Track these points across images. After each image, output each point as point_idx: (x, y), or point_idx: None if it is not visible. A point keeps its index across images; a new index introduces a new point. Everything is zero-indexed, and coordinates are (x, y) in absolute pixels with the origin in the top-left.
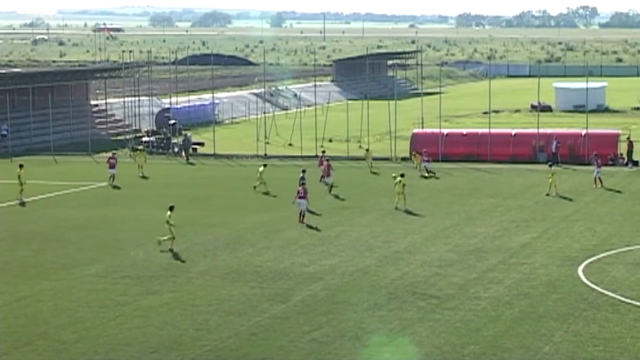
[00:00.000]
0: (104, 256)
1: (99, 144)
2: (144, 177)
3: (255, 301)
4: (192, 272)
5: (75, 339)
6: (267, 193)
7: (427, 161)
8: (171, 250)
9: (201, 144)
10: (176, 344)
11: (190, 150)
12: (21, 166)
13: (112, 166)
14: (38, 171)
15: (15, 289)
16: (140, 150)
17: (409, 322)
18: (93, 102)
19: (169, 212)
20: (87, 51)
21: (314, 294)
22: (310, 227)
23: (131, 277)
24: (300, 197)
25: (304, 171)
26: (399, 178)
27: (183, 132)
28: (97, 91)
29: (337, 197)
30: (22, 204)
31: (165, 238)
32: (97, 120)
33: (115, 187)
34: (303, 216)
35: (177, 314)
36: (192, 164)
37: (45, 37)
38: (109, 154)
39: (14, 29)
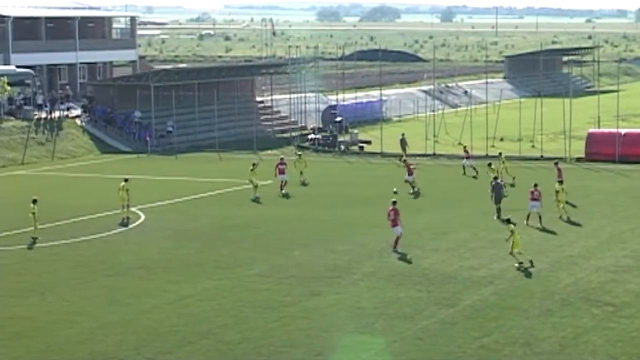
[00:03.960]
0: (268, 256)
1: (264, 142)
2: (303, 184)
3: (422, 305)
4: (358, 274)
5: (239, 339)
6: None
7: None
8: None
9: (368, 142)
10: (341, 347)
11: (357, 149)
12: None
13: (281, 172)
14: (202, 168)
15: (178, 288)
16: (300, 156)
17: (582, 330)
18: (258, 99)
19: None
20: (253, 46)
21: (483, 298)
22: (479, 229)
23: (295, 278)
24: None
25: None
26: (559, 186)
27: (349, 130)
28: (263, 87)
29: (504, 198)
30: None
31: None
32: (263, 117)
33: (285, 195)
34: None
35: (341, 316)
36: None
37: (212, 32)
38: (277, 160)
39: (180, 23)
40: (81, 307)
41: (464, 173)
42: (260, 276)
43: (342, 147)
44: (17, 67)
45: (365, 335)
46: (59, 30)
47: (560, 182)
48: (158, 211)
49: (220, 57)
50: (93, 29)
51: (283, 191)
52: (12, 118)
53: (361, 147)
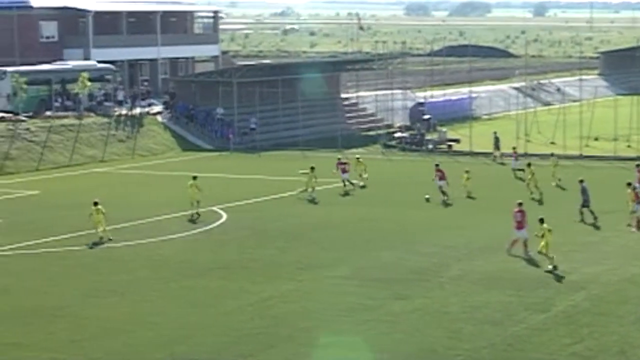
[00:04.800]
0: (352, 257)
1: (349, 140)
2: (363, 187)
3: (512, 310)
4: (445, 277)
5: (321, 343)
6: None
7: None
8: None
9: (457, 141)
10: (427, 353)
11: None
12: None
13: (344, 170)
14: (285, 167)
15: (260, 289)
16: (359, 159)
17: None
18: (344, 95)
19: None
20: (339, 42)
21: (575, 304)
22: (570, 232)
23: (380, 280)
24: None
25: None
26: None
27: (437, 128)
28: (348, 83)
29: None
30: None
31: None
32: (348, 114)
33: (346, 193)
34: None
35: (428, 320)
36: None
37: (296, 26)
38: (338, 160)
39: (263, 18)
40: (161, 308)
41: (515, 176)
42: (344, 278)
43: (430, 146)
44: (98, 62)
45: (452, 340)
46: (140, 25)
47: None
48: (239, 210)
49: (304, 52)
50: (175, 24)
51: (346, 189)
52: (92, 114)
53: (449, 146)
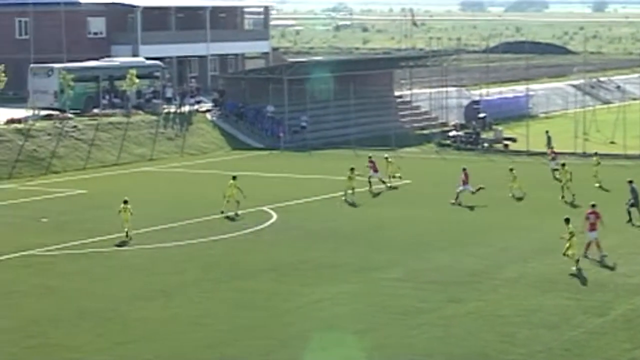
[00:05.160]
0: (405, 259)
1: (403, 138)
2: (392, 188)
3: (569, 314)
4: (499, 280)
5: (373, 346)
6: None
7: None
8: None
9: (513, 140)
10: (480, 356)
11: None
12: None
13: (374, 170)
14: (336, 166)
15: (310, 291)
16: (387, 158)
17: None
18: (397, 93)
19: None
20: (392, 38)
21: (635, 307)
22: (629, 234)
23: (434, 283)
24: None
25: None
26: None
27: (493, 127)
28: (402, 81)
29: None
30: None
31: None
32: (401, 113)
33: (375, 194)
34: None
35: (481, 324)
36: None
37: (348, 22)
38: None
39: (315, 14)
40: (210, 309)
41: (555, 177)
42: (397, 280)
43: (485, 145)
44: (146, 59)
45: (505, 344)
46: (189, 20)
47: None
48: (290, 210)
49: (357, 49)
50: (225, 20)
51: (373, 189)
52: (140, 112)
53: (505, 145)
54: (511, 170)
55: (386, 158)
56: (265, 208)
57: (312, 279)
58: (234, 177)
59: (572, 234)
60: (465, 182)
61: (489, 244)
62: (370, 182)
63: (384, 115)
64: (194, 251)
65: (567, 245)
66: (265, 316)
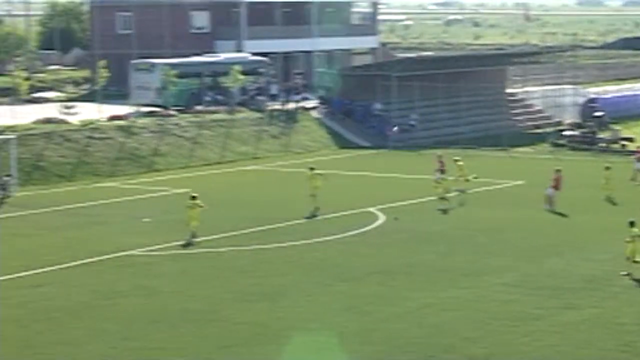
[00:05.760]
0: (518, 263)
1: (515, 138)
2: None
3: None
4: (618, 286)
5: (484, 354)
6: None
7: None
8: None
9: (630, 140)
10: None
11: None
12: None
13: (441, 171)
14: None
15: (420, 295)
16: (457, 160)
17: None
18: (509, 90)
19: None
20: (505, 33)
21: None
22: None
23: (548, 289)
24: None
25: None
26: None
27: (610, 126)
28: (515, 78)
29: None
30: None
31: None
32: (514, 111)
33: (442, 198)
34: None
35: (599, 332)
36: None
37: (460, 17)
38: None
39: (425, 8)
40: (315, 313)
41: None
42: (510, 285)
43: (602, 144)
44: (251, 54)
45: (625, 353)
46: (295, 15)
47: None
48: (398, 212)
49: (468, 44)
50: (332, 14)
51: (440, 191)
52: (244, 109)
53: (623, 145)
54: (607, 168)
55: (456, 160)
56: (371, 209)
57: (420, 283)
58: (312, 169)
59: (635, 237)
60: (555, 187)
61: (606, 249)
62: (438, 183)
63: (496, 113)
64: (297, 253)
65: (630, 248)
66: (372, 321)
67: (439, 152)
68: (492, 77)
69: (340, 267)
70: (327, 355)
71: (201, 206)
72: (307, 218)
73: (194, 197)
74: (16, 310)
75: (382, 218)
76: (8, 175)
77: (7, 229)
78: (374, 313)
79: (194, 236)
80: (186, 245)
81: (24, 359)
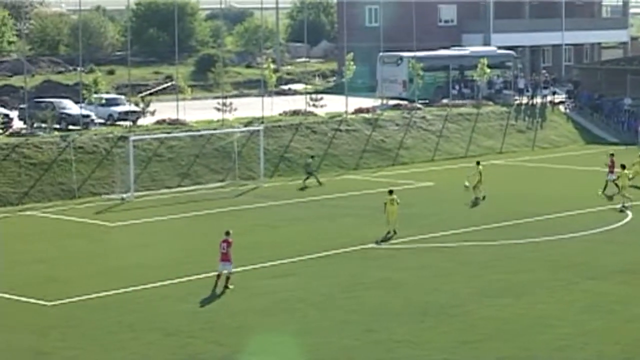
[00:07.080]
0: None
1: None
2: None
3: None
4: None
5: None
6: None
7: None
8: None
9: None
10: None
11: None
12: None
13: (610, 171)
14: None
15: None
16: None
17: None
18: None
19: None
20: None
21: None
22: None
23: None
24: None
25: None
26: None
27: None
28: None
29: None
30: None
31: None
32: None
33: (608, 196)
34: None
35: None
36: None
37: None
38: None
39: None
40: (559, 311)
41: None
42: None
43: None
44: (498, 48)
45: None
46: (543, 8)
47: None
48: None
49: None
50: (581, 8)
51: (605, 192)
52: (490, 103)
53: None
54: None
55: (477, 162)
56: (619, 206)
57: None
58: (478, 163)
59: None
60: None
61: None
62: (607, 184)
63: None
64: (544, 249)
65: None
66: (619, 321)
67: (610, 150)
68: None
69: (585, 265)
70: (568, 354)
71: (398, 202)
72: (556, 213)
73: (391, 192)
74: (260, 300)
75: (630, 215)
76: (312, 157)
77: (254, 220)
78: (617, 312)
79: (394, 232)
80: (384, 240)
81: (267, 347)
